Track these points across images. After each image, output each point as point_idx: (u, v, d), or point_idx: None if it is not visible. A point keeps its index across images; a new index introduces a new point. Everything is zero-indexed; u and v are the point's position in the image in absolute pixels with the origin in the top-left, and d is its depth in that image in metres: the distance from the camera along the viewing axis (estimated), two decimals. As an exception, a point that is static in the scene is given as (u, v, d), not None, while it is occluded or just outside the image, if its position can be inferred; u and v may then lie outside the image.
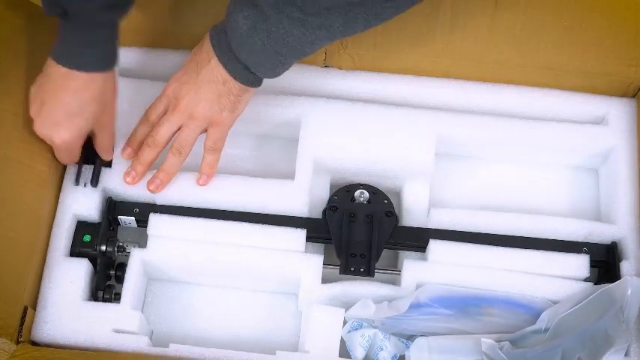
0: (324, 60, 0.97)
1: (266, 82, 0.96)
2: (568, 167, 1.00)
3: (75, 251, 0.88)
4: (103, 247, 0.88)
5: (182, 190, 0.90)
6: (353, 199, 0.91)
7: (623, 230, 0.92)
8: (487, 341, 0.82)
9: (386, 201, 0.91)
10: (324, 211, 0.90)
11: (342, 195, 0.91)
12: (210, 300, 0.93)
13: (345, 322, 0.85)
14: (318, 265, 0.88)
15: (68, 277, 0.86)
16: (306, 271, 0.88)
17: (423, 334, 0.85)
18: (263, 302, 0.93)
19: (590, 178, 1.00)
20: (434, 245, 0.89)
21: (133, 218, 0.90)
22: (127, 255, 0.89)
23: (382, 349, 0.84)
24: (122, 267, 0.90)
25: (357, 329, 0.85)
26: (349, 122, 0.94)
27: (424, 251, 0.90)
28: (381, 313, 0.84)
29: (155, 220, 0.89)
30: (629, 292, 0.84)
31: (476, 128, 0.96)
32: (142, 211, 0.90)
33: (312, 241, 0.90)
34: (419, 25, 0.94)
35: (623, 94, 0.97)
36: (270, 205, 0.90)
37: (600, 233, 0.92)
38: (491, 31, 0.94)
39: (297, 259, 0.88)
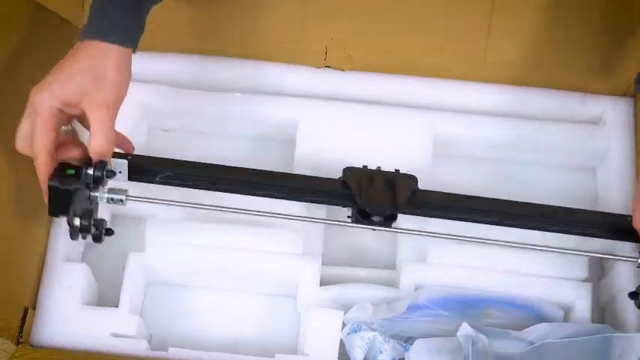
0: (324, 60, 0.97)
1: (265, 83, 0.97)
2: (566, 167, 1.00)
3: (54, 184, 0.73)
4: (90, 171, 0.74)
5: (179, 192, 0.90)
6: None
7: (622, 230, 0.92)
8: (466, 328, 0.81)
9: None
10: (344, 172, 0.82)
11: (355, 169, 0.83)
12: (209, 303, 0.92)
13: (344, 325, 0.85)
14: (316, 267, 0.88)
15: (67, 281, 0.86)
16: (304, 274, 0.87)
17: (422, 336, 0.85)
18: (262, 305, 0.93)
19: (588, 177, 1.00)
20: (432, 247, 0.89)
21: (126, 162, 0.79)
22: (119, 199, 0.77)
23: (381, 351, 0.84)
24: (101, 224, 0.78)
25: (356, 332, 0.85)
26: (348, 123, 0.94)
27: (446, 218, 0.83)
28: (380, 314, 0.84)
29: (153, 224, 0.89)
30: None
31: (474, 128, 0.96)
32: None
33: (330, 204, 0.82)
34: (418, 25, 0.94)
35: (623, 94, 0.97)
36: (267, 207, 0.90)
37: (599, 232, 0.92)
38: (490, 30, 0.93)
39: (295, 261, 0.88)
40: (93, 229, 0.76)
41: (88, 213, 0.75)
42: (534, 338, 0.84)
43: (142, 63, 0.96)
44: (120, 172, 0.79)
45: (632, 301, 0.87)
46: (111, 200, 0.77)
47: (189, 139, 0.99)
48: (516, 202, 0.83)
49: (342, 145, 0.93)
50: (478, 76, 0.97)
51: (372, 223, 0.79)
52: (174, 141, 0.99)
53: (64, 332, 0.84)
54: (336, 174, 0.94)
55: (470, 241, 0.81)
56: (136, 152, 0.94)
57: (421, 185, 0.93)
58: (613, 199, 0.94)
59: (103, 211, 0.92)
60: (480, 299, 0.87)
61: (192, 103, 0.95)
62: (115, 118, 0.75)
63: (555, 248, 0.82)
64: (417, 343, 0.83)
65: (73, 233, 0.75)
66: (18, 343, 0.81)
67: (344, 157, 0.92)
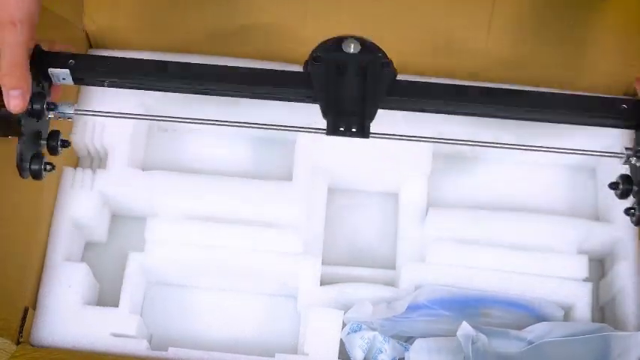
0: (324, 60, 0.97)
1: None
2: (566, 166, 1.00)
3: None
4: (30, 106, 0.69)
5: (179, 192, 0.90)
6: (341, 49, 0.74)
7: (621, 229, 0.92)
8: (466, 328, 0.81)
9: (380, 54, 0.75)
10: (306, 64, 0.74)
11: (326, 47, 0.74)
12: (209, 303, 0.92)
13: (344, 325, 0.85)
14: (316, 266, 0.88)
15: (66, 281, 0.86)
16: (304, 274, 0.88)
17: (422, 336, 0.85)
18: (262, 305, 0.93)
19: (587, 177, 1.00)
20: (433, 246, 0.89)
21: (68, 71, 0.72)
22: (61, 118, 0.73)
23: (381, 351, 0.84)
24: (56, 136, 0.74)
25: (356, 331, 0.85)
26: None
27: (423, 112, 0.78)
28: (380, 314, 0.84)
29: (153, 224, 0.89)
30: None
31: (474, 127, 0.96)
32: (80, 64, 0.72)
33: (294, 101, 0.76)
34: (418, 24, 0.94)
35: (623, 94, 0.97)
36: (268, 207, 0.90)
37: (598, 232, 0.92)
38: (490, 30, 0.93)
39: (295, 261, 0.88)
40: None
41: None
42: (534, 337, 0.84)
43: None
44: (64, 79, 0.72)
45: (632, 299, 0.88)
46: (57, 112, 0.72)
47: (189, 139, 0.99)
48: (510, 90, 0.77)
49: (341, 144, 0.93)
50: (478, 76, 0.97)
51: (341, 133, 0.71)
52: (174, 141, 0.99)
53: (64, 332, 0.84)
54: (335, 173, 0.94)
55: (462, 144, 0.77)
56: (135, 151, 0.95)
57: (421, 185, 0.94)
58: (613, 199, 0.94)
59: (104, 210, 0.92)
60: (480, 299, 0.87)
61: (192, 103, 0.95)
62: (30, 42, 0.66)
63: (549, 148, 0.79)
64: (417, 342, 0.83)
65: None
66: (18, 343, 0.81)
67: (344, 157, 0.93)
